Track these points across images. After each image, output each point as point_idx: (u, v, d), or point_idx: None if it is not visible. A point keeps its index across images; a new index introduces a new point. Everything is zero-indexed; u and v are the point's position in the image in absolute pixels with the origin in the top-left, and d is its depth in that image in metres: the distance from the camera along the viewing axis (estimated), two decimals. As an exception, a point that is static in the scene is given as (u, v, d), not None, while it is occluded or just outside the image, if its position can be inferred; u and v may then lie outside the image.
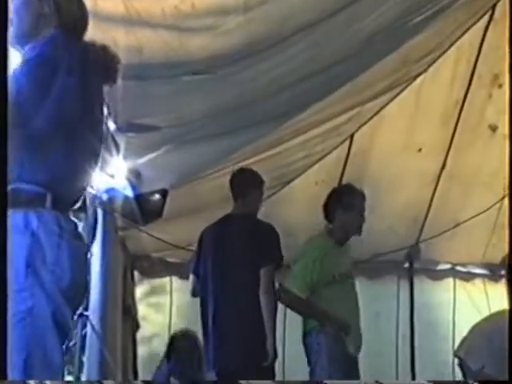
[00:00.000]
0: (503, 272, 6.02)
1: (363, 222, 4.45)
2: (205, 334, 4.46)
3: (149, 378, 5.92)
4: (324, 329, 4.22)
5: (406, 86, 5.41)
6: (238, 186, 4.58)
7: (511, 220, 3.64)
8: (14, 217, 2.13)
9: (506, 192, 4.92)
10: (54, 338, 2.17)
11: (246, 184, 4.55)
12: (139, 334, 5.95)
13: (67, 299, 2.19)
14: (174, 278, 6.36)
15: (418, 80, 5.42)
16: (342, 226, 4.44)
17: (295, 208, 5.88)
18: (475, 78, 5.50)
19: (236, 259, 4.34)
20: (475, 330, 4.41)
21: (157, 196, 4.72)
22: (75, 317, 4.36)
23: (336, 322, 4.21)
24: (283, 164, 5.58)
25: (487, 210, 6.08)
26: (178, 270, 6.35)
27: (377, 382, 3.77)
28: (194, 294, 4.61)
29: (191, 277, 4.65)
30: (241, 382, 3.51)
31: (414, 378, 6.56)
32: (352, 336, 4.23)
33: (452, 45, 5.20)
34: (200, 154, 4.57)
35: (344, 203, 4.43)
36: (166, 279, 6.37)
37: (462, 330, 6.44)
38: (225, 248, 4.41)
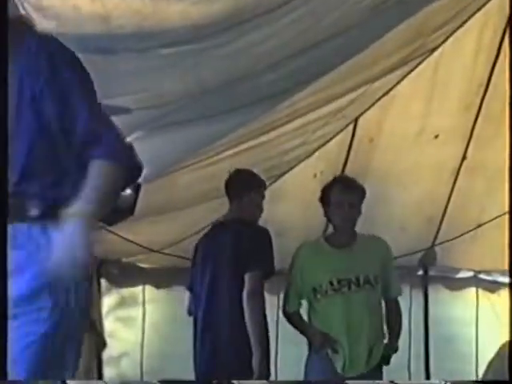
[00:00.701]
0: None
1: (352, 216, 4.47)
2: (194, 352, 4.60)
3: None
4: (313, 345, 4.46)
5: (421, 62, 5.46)
6: (233, 188, 4.75)
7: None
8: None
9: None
10: (74, 355, 2.33)
11: (242, 186, 4.71)
12: (105, 354, 5.99)
13: None
14: (148, 287, 6.41)
15: (435, 54, 5.46)
16: (333, 225, 4.55)
17: (289, 205, 5.93)
18: (503, 52, 5.52)
19: (226, 271, 4.49)
20: (502, 351, 4.46)
21: (127, 191, 4.74)
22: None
23: (318, 338, 4.40)
24: (276, 153, 5.64)
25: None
26: (153, 278, 6.40)
27: (391, 382, 4.06)
28: (189, 313, 4.80)
29: (187, 293, 4.86)
30: (233, 381, 3.84)
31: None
32: (343, 354, 4.32)
33: (476, 11, 5.19)
34: (178, 142, 4.59)
35: (330, 199, 4.49)
36: (138, 288, 6.41)
37: (487, 350, 6.57)
38: (215, 259, 4.58)
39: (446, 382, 4.44)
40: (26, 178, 2.30)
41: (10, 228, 2.20)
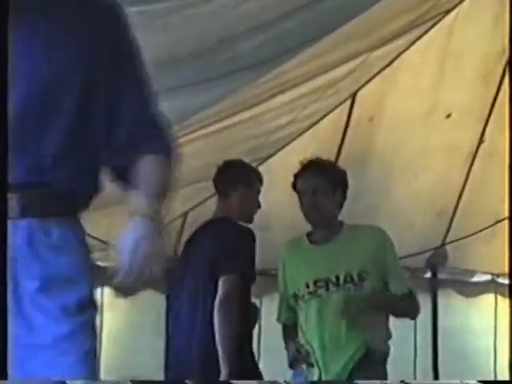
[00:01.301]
0: None
1: (317, 204, 4.44)
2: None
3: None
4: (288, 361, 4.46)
5: (432, 26, 5.45)
6: (218, 183, 4.80)
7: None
8: None
9: None
10: None
11: (228, 181, 4.73)
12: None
13: None
14: (107, 290, 6.38)
15: (449, 17, 5.47)
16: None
17: (276, 193, 5.91)
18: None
19: (203, 275, 4.51)
20: None
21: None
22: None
23: (291, 352, 4.37)
24: (260, 132, 5.64)
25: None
26: (113, 280, 6.36)
27: (402, 381, 4.22)
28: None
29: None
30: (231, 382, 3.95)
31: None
32: (318, 367, 4.29)
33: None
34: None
35: (296, 188, 4.48)
36: (96, 291, 6.38)
37: (506, 367, 6.60)
38: (194, 262, 4.61)
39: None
40: (59, 168, 2.34)
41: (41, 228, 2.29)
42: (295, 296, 4.39)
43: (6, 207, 2.20)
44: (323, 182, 4.39)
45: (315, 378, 4.31)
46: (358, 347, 4.26)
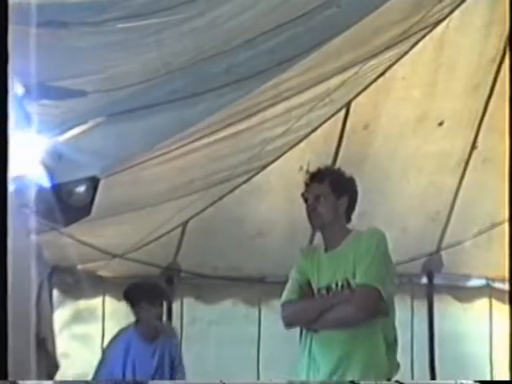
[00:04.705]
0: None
1: (319, 209, 4.45)
2: None
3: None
4: None
5: (423, 37, 5.49)
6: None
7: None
8: None
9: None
10: None
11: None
12: (58, 377, 6.00)
13: None
14: (108, 299, 6.44)
15: (439, 29, 5.50)
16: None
17: (272, 200, 5.97)
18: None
19: None
20: None
21: (84, 186, 4.77)
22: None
23: None
24: (257, 142, 5.68)
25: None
26: (114, 288, 6.41)
27: (397, 381, 4.09)
28: None
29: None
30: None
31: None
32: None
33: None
34: (143, 130, 4.62)
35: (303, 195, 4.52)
36: (97, 300, 6.44)
37: (504, 373, 6.62)
38: None
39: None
40: None
41: None
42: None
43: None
44: (327, 189, 4.44)
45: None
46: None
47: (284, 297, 4.41)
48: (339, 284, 4.27)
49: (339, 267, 4.31)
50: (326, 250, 4.44)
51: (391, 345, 4.26)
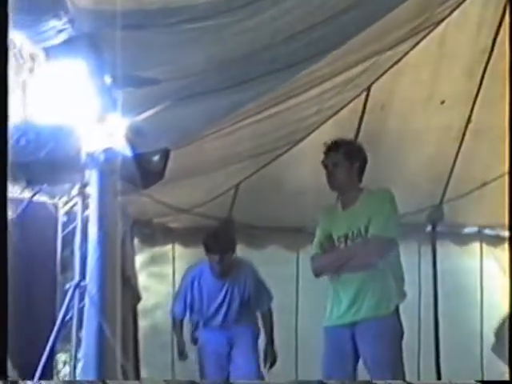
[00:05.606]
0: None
1: (337, 175, 4.38)
2: None
3: (150, 353, 6.05)
4: None
5: (428, 33, 5.43)
6: None
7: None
8: None
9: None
10: None
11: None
12: (140, 306, 6.05)
13: None
14: (177, 246, 6.46)
15: (442, 26, 5.43)
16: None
17: (307, 167, 5.93)
18: (504, 23, 5.47)
19: None
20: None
21: (158, 156, 4.76)
22: (71, 288, 4.49)
23: None
24: (293, 120, 5.64)
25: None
26: (181, 237, 6.46)
27: (405, 381, 3.98)
28: None
29: None
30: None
31: (437, 349, 6.67)
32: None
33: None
34: (203, 110, 4.60)
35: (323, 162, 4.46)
36: (168, 247, 6.47)
37: (491, 298, 6.59)
38: None
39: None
40: None
41: None
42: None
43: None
44: (342, 157, 4.38)
45: None
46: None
47: (312, 251, 4.43)
48: (355, 233, 4.26)
49: (354, 221, 4.29)
50: (343, 207, 4.41)
51: (399, 280, 4.26)
